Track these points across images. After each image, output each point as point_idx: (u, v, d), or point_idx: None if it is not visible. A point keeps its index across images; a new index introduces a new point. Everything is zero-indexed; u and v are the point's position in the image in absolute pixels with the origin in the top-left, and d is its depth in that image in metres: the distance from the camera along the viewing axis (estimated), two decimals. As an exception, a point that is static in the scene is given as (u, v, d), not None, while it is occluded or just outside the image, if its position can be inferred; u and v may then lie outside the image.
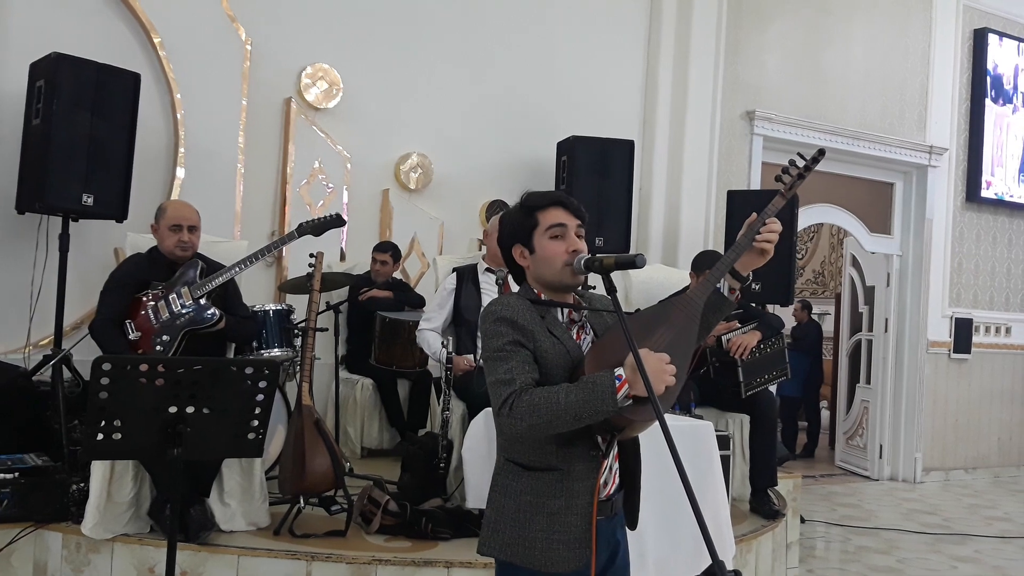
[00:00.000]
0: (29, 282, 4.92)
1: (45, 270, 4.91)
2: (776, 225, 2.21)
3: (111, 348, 3.98)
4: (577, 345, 2.13)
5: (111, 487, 3.63)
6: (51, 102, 4.59)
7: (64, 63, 4.64)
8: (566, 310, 2.18)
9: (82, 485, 3.76)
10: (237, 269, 4.17)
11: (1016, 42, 9.57)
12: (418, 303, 5.85)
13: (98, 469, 3.63)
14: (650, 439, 2.10)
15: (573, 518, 2.03)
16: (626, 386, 1.91)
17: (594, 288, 3.66)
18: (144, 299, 4.07)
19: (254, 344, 4.66)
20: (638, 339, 1.97)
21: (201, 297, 4.05)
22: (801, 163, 2.28)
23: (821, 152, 2.30)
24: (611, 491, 2.15)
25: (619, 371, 1.93)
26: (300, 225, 4.36)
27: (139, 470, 3.71)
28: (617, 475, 2.18)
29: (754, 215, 2.25)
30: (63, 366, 4.46)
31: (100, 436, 2.49)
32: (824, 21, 8.32)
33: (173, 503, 2.74)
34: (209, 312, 4.07)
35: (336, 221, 4.44)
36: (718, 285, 2.22)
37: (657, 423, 1.90)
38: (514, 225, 2.21)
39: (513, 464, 2.11)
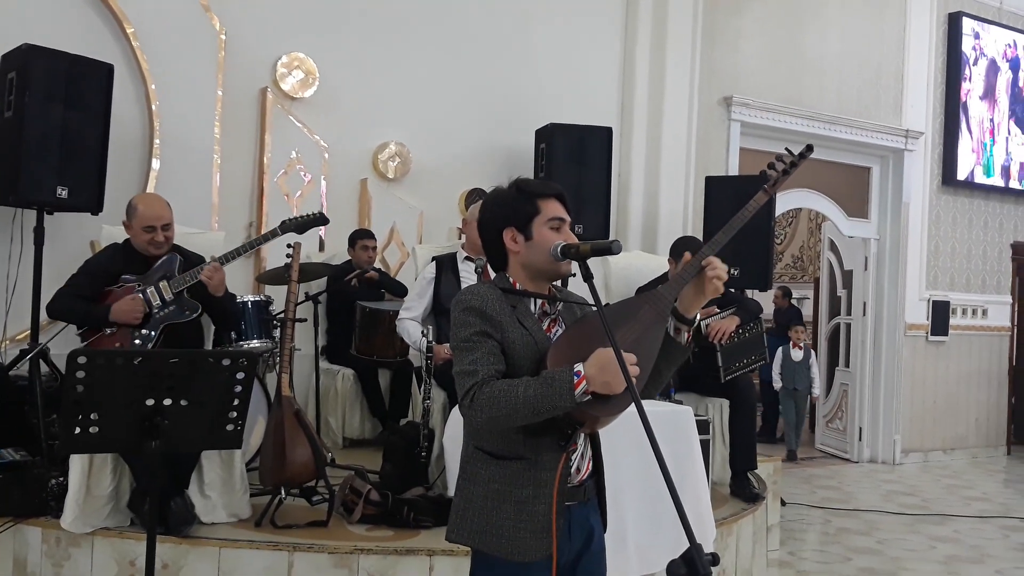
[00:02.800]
0: (4, 276, 4.89)
1: (20, 264, 4.87)
2: (721, 268, 2.15)
3: (69, 310, 3.98)
4: (547, 337, 2.13)
5: (90, 481, 3.61)
6: (23, 94, 4.53)
7: (36, 54, 4.59)
8: (539, 302, 2.17)
9: (61, 479, 3.74)
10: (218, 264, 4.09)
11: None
12: (401, 290, 5.85)
13: (77, 463, 3.61)
14: (630, 425, 2.11)
15: (541, 507, 2.04)
16: (584, 382, 1.91)
17: (574, 275, 3.68)
18: (116, 291, 4.02)
19: (233, 335, 4.64)
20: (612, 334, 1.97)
21: (182, 291, 4.01)
22: (788, 158, 2.27)
23: (809, 148, 2.29)
24: (583, 477, 2.15)
25: (579, 367, 1.92)
26: (283, 222, 4.32)
27: (118, 463, 3.69)
28: (590, 462, 2.18)
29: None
30: (40, 360, 4.43)
31: (77, 430, 2.48)
32: (800, 6, 8.34)
33: (152, 496, 2.73)
34: (187, 311, 4.03)
35: (319, 220, 4.41)
36: (667, 328, 2.18)
37: (625, 414, 1.90)
38: (509, 208, 2.17)
39: (481, 452, 2.12)
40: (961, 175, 9.43)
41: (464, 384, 2.02)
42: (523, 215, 2.16)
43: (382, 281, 5.88)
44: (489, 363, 2.02)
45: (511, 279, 2.17)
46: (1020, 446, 10.14)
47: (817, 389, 9.11)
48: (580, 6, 7.27)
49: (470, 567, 2.17)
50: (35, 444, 4.10)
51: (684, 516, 1.66)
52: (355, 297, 5.68)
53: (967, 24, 9.42)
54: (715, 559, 1.58)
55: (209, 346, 4.41)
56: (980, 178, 9.64)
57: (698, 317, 2.19)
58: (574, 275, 3.18)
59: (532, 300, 2.17)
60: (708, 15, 7.70)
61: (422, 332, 4.45)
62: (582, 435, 2.13)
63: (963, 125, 9.46)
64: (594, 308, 2.04)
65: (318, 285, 5.74)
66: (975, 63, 9.54)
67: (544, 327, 2.16)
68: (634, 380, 1.91)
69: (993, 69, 9.71)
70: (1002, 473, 9.04)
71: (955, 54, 9.38)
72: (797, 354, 9.04)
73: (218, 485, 3.87)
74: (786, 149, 2.34)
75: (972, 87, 9.51)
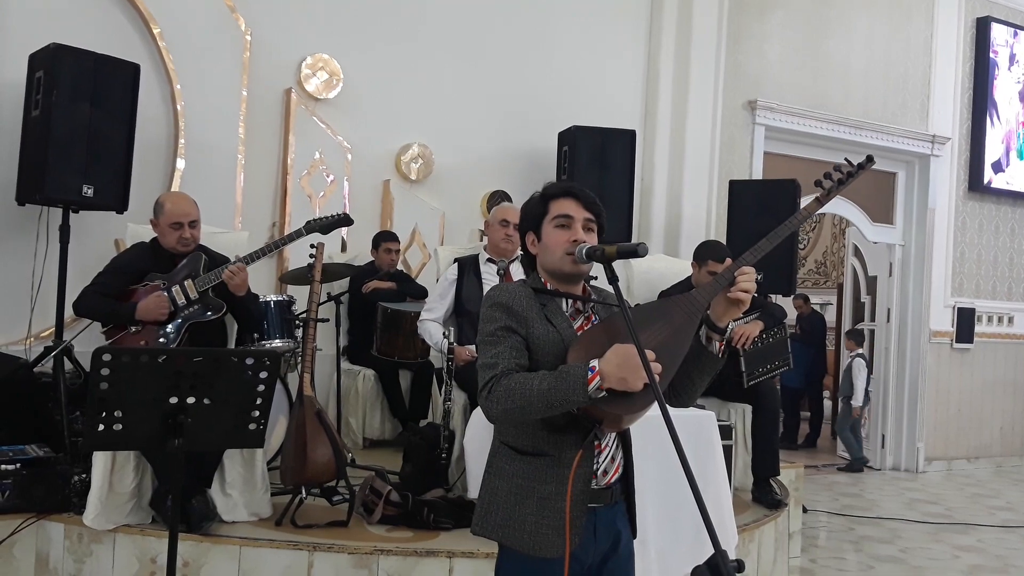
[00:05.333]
0: (30, 273, 4.92)
1: (46, 261, 4.90)
2: (752, 274, 2.10)
3: (95, 308, 4.00)
4: (577, 336, 2.12)
5: (113, 478, 3.63)
6: (51, 93, 4.57)
7: (64, 54, 4.62)
8: (571, 300, 2.17)
9: (84, 476, 3.76)
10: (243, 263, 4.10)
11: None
12: (420, 294, 5.84)
13: (99, 460, 3.63)
14: (653, 428, 2.09)
15: (563, 504, 2.02)
16: (598, 378, 1.89)
17: (596, 278, 3.66)
18: (141, 289, 4.04)
19: (255, 335, 4.65)
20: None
21: (206, 290, 4.03)
22: (846, 168, 2.23)
23: (870, 159, 2.24)
24: (611, 479, 2.14)
25: (594, 363, 1.91)
26: (308, 223, 4.32)
27: (140, 461, 3.71)
28: (620, 465, 2.17)
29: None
30: (64, 357, 4.45)
31: (101, 427, 2.49)
32: (825, 10, 8.29)
33: (174, 494, 2.74)
34: (210, 310, 4.05)
35: (344, 220, 4.41)
36: (700, 335, 2.15)
37: (646, 415, 1.88)
38: (528, 213, 2.23)
39: (507, 447, 2.13)
40: (989, 172, 9.33)
41: (484, 376, 2.03)
42: (537, 218, 2.20)
43: (401, 288, 5.88)
44: (511, 357, 2.03)
45: (542, 280, 2.18)
46: (1045, 455, 10.03)
47: (857, 400, 9.01)
48: (604, 8, 7.25)
49: (496, 560, 2.17)
50: (58, 441, 4.12)
51: (709, 522, 1.64)
52: (377, 298, 5.68)
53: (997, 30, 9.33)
54: (740, 566, 1.56)
55: (232, 345, 4.42)
56: (1014, 165, 9.53)
57: (731, 326, 2.16)
58: (595, 278, 3.16)
59: (564, 299, 2.16)
60: (733, 18, 7.67)
61: (443, 333, 4.44)
62: (610, 435, 2.12)
63: (992, 117, 9.36)
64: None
65: (340, 286, 5.75)
66: (1010, 67, 9.47)
67: (576, 325, 2.15)
68: (656, 378, 1.90)
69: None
70: (1027, 483, 8.94)
71: (983, 59, 9.29)
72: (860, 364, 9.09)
73: (239, 484, 3.88)
74: (845, 159, 2.26)
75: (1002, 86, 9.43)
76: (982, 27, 9.27)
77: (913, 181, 9.10)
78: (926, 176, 9.01)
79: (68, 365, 4.50)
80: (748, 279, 2.09)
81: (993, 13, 9.34)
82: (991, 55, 9.29)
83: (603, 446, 2.11)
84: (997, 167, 9.44)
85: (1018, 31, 9.51)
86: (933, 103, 9.00)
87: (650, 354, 1.91)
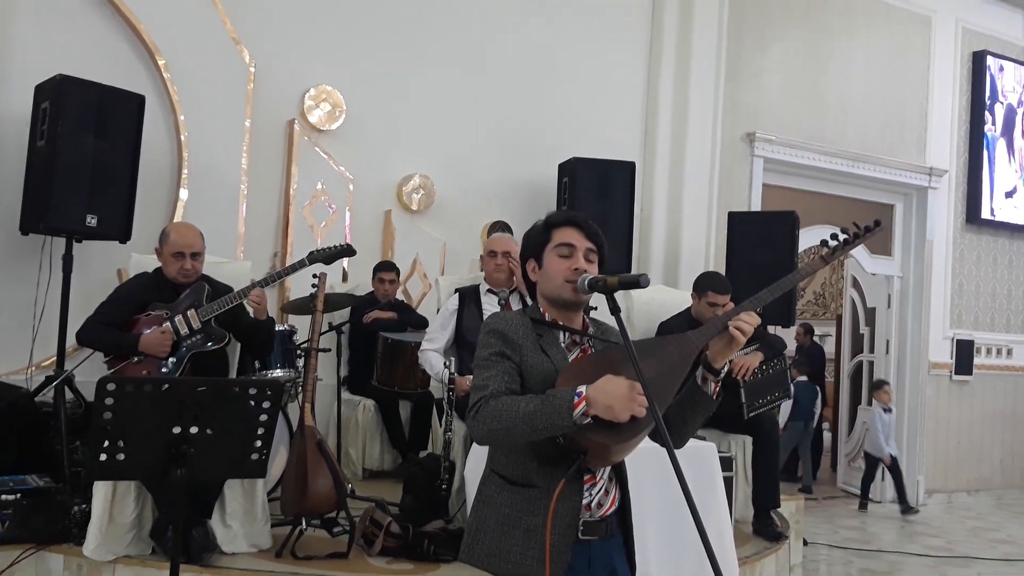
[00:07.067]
0: (32, 302, 4.93)
1: (48, 291, 4.92)
2: (754, 319, 2.12)
3: (98, 339, 4.00)
4: None
5: (113, 508, 3.62)
6: (56, 124, 4.61)
7: (69, 85, 4.67)
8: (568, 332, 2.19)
9: (84, 506, 3.75)
10: (243, 295, 4.11)
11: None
12: (421, 324, 5.85)
13: (100, 490, 3.62)
14: (653, 460, 2.09)
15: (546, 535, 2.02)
16: (584, 403, 1.89)
17: (595, 308, 3.67)
18: (144, 318, 4.06)
19: (256, 364, 4.66)
20: (626, 366, 1.96)
21: (209, 320, 4.04)
22: (853, 231, 2.29)
23: (877, 223, 2.30)
24: (606, 512, 2.14)
25: (581, 388, 1.92)
26: (311, 253, 4.33)
27: (141, 491, 3.70)
28: (616, 498, 2.17)
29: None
30: (65, 387, 4.46)
31: (103, 457, 2.48)
32: (823, 43, 8.38)
33: (175, 524, 2.74)
34: (212, 340, 4.05)
35: (346, 251, 4.41)
36: (696, 376, 2.17)
37: (648, 447, 1.88)
38: (530, 240, 2.25)
39: (497, 476, 2.14)
40: (995, 201, 9.41)
41: (474, 397, 2.05)
42: (538, 245, 2.22)
43: (402, 318, 5.88)
44: (502, 380, 2.04)
45: (541, 309, 2.20)
46: (1046, 488, 10.00)
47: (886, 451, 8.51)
48: (604, 41, 7.33)
49: None
50: (59, 471, 4.12)
51: (712, 555, 1.66)
52: (378, 328, 5.69)
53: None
54: (742, 598, 1.56)
55: (233, 375, 4.42)
56: (1021, 191, 9.65)
57: (726, 368, 2.17)
58: (595, 308, 3.18)
59: (561, 331, 2.18)
60: (732, 51, 7.75)
61: (444, 364, 4.45)
62: (603, 469, 2.12)
63: (1004, 147, 9.46)
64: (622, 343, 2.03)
65: (341, 316, 5.77)
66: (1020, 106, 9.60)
67: (572, 357, 2.16)
68: (642, 412, 1.91)
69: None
70: (1028, 515, 8.91)
71: (979, 93, 9.38)
72: (888, 418, 8.57)
73: (240, 515, 3.87)
74: (853, 223, 2.33)
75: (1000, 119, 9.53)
76: (978, 61, 9.36)
77: (911, 213, 9.15)
78: (924, 208, 9.06)
79: (69, 395, 4.50)
80: (749, 317, 2.11)
81: (989, 47, 9.43)
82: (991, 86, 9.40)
83: (596, 478, 2.11)
84: (1010, 194, 9.58)
85: (1004, 65, 9.60)
86: (930, 136, 9.07)
87: (636, 385, 1.92)
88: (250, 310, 4.13)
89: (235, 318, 4.10)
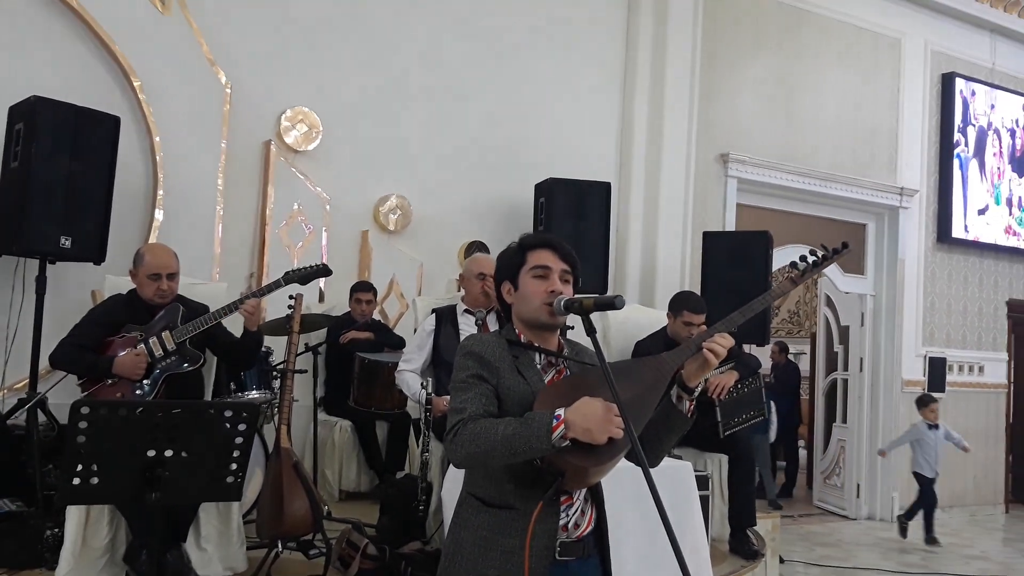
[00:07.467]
0: (5, 325, 4.90)
1: (21, 313, 4.88)
2: (728, 340, 2.15)
3: (72, 361, 3.95)
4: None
5: (86, 532, 3.58)
6: (30, 145, 4.59)
7: (43, 106, 4.65)
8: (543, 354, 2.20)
9: (56, 531, 3.70)
10: (218, 316, 4.08)
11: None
12: (398, 344, 5.84)
13: (73, 514, 3.58)
14: (630, 480, 2.10)
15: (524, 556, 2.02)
16: (563, 426, 1.90)
17: (572, 328, 3.68)
18: (118, 340, 4.02)
19: (232, 386, 4.63)
20: (603, 387, 1.97)
21: (184, 341, 4.01)
22: (822, 253, 2.33)
23: (845, 245, 2.35)
24: (583, 533, 2.14)
25: (560, 411, 1.93)
26: (287, 273, 4.31)
27: (115, 515, 3.66)
28: (592, 518, 2.17)
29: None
30: (38, 410, 4.41)
31: (77, 480, 2.47)
32: (796, 65, 8.49)
33: (150, 548, 2.72)
34: (186, 364, 4.02)
35: (322, 271, 4.40)
36: (671, 395, 2.19)
37: (625, 467, 1.88)
38: (505, 262, 2.26)
39: (474, 498, 2.13)
40: (968, 218, 9.55)
41: (451, 420, 2.04)
42: (514, 267, 2.22)
43: (378, 338, 5.87)
44: (479, 403, 2.04)
45: (517, 331, 2.21)
46: (1018, 504, 10.09)
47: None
48: (580, 64, 7.39)
49: None
50: (31, 494, 4.07)
51: (687, 574, 1.67)
52: (354, 348, 5.68)
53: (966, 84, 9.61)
54: (719, 617, 1.58)
55: (209, 396, 4.39)
56: (992, 209, 9.82)
57: (700, 387, 2.20)
58: (571, 327, 3.19)
59: (537, 353, 2.19)
60: (705, 73, 7.84)
61: (421, 384, 4.44)
62: (580, 490, 2.12)
63: (976, 167, 9.65)
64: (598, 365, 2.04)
65: (318, 336, 5.75)
66: (990, 128, 9.76)
67: (547, 379, 2.17)
68: (619, 433, 1.91)
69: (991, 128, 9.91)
70: (1001, 531, 8.98)
71: (948, 114, 9.53)
72: (934, 435, 8.01)
73: (215, 537, 3.84)
74: (821, 245, 2.38)
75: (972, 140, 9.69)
76: (947, 82, 9.52)
77: (883, 232, 9.26)
78: (895, 227, 9.17)
79: (41, 417, 4.45)
80: (722, 339, 2.14)
81: (958, 69, 9.59)
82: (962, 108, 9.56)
83: (573, 499, 2.11)
84: (983, 211, 9.76)
85: (976, 89, 9.77)
86: (901, 156, 9.20)
87: (612, 407, 1.93)
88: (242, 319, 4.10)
89: (212, 337, 4.07)
